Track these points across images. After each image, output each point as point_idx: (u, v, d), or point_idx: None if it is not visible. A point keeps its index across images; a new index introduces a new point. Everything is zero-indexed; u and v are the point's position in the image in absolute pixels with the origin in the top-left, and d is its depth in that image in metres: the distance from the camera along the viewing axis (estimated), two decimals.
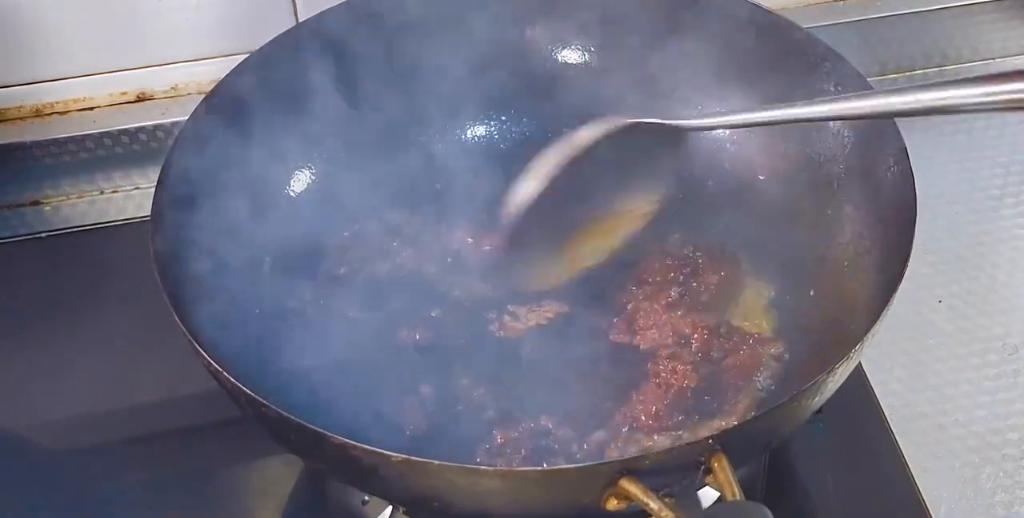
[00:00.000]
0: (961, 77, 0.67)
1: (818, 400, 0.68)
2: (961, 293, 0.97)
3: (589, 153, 0.76)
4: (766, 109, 0.78)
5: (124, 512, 0.87)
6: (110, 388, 0.92)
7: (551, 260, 0.81)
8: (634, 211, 0.82)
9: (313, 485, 0.87)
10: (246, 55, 0.86)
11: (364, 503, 0.82)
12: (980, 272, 0.98)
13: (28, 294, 1.00)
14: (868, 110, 0.70)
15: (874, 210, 0.80)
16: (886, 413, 0.88)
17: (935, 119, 1.10)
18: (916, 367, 0.92)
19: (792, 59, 0.86)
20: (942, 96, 0.66)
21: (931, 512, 0.83)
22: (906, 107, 0.68)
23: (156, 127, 1.06)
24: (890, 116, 0.73)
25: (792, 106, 0.74)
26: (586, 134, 0.77)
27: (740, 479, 0.69)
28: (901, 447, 0.86)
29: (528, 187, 0.76)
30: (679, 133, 0.79)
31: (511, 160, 0.94)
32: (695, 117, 0.80)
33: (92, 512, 0.87)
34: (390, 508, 0.82)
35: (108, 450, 0.90)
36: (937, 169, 1.05)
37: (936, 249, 0.99)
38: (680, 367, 0.79)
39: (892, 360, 0.92)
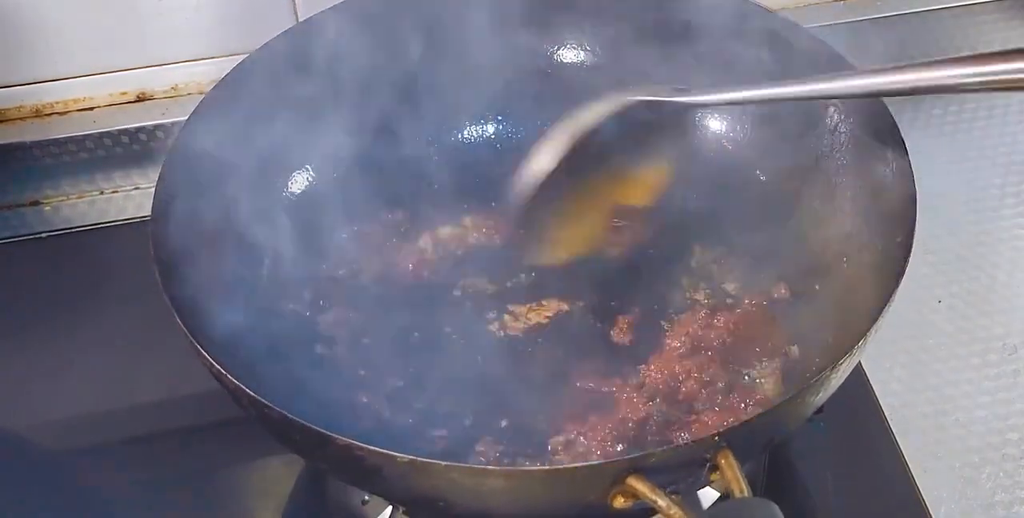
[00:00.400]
0: (957, 56, 0.66)
1: (821, 396, 0.68)
2: (961, 293, 0.97)
3: (595, 131, 0.76)
4: (765, 87, 0.77)
5: (124, 512, 0.87)
6: (110, 388, 0.92)
7: (560, 238, 0.82)
8: (639, 188, 0.82)
9: (313, 485, 0.87)
10: (246, 55, 0.86)
11: (364, 503, 0.82)
12: (980, 272, 0.98)
13: (28, 294, 1.00)
14: (875, 87, 0.70)
15: (874, 207, 0.80)
16: (886, 413, 0.88)
17: (935, 118, 1.10)
18: (916, 367, 0.92)
19: (792, 59, 0.86)
20: (940, 75, 0.66)
21: (931, 512, 0.83)
22: (914, 85, 0.67)
23: (156, 127, 1.06)
24: (892, 94, 0.72)
25: (800, 82, 0.73)
26: (593, 112, 0.77)
27: None
28: (901, 447, 0.86)
29: (539, 165, 0.75)
30: (683, 109, 0.79)
31: (508, 160, 0.95)
32: (697, 93, 0.80)
33: (92, 512, 0.87)
34: (390, 508, 0.82)
35: (108, 450, 0.90)
36: (937, 169, 1.05)
37: (936, 249, 0.99)
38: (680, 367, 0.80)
39: (892, 360, 0.92)
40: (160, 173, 0.78)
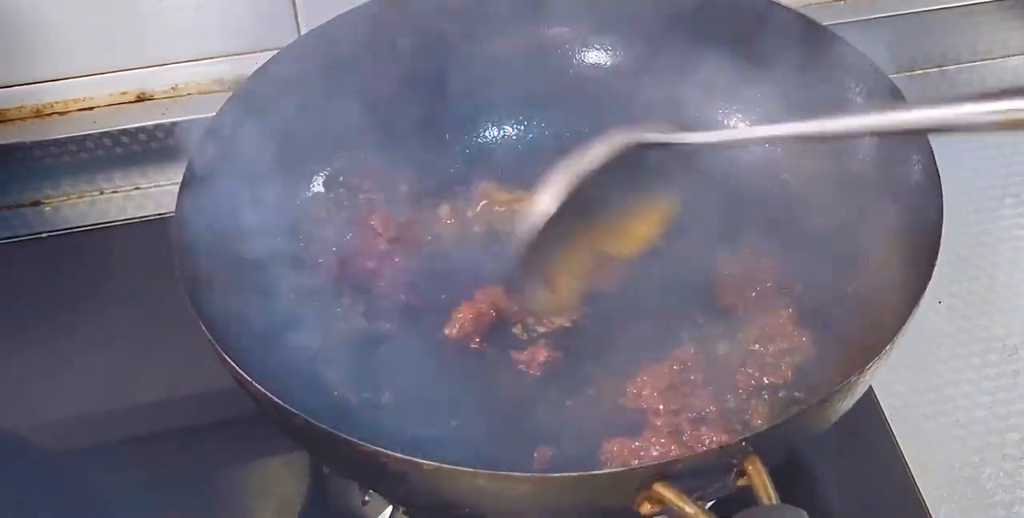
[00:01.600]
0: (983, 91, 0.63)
1: (848, 402, 0.68)
2: (961, 293, 0.97)
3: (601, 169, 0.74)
4: (778, 124, 0.75)
5: (124, 512, 0.87)
6: (110, 388, 0.92)
7: (563, 279, 0.80)
8: (645, 225, 0.81)
9: (313, 485, 0.87)
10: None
11: (364, 503, 0.82)
12: (980, 272, 0.98)
13: (28, 294, 1.00)
14: (888, 126, 0.67)
15: (899, 204, 0.80)
16: (886, 413, 0.88)
17: None
18: (916, 367, 0.92)
19: (813, 58, 0.85)
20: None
21: (931, 512, 0.83)
22: (934, 123, 0.64)
23: (156, 127, 1.06)
24: (915, 132, 0.69)
25: (804, 120, 0.71)
26: (598, 152, 0.74)
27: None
28: (901, 447, 0.86)
29: (543, 207, 0.74)
30: (690, 148, 0.76)
31: (528, 162, 0.95)
32: (705, 130, 0.78)
33: (92, 512, 0.87)
34: (390, 508, 0.82)
35: (108, 450, 0.90)
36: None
37: None
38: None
39: (892, 360, 0.91)
40: (183, 175, 0.78)
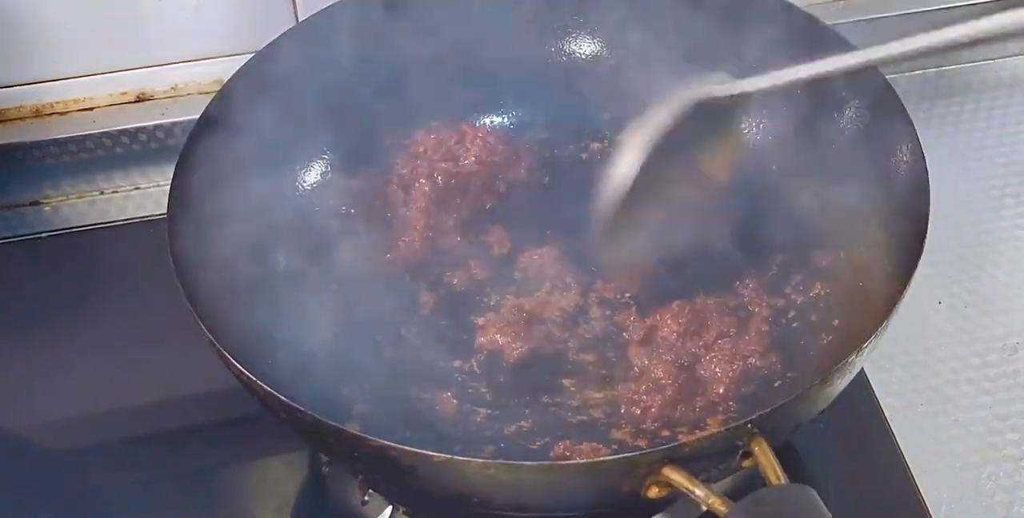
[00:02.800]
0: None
1: (845, 380, 0.69)
2: (961, 293, 0.97)
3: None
4: (815, 65, 0.74)
5: (124, 512, 0.87)
6: (110, 388, 0.92)
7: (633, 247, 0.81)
8: (704, 186, 0.82)
9: (313, 485, 0.87)
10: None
11: (364, 503, 0.82)
12: (980, 272, 0.98)
13: (28, 294, 1.00)
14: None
15: (887, 191, 0.80)
16: (886, 413, 0.88)
17: (935, 118, 1.10)
18: (916, 367, 0.92)
19: (804, 48, 0.85)
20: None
21: (931, 512, 0.83)
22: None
23: (156, 127, 1.06)
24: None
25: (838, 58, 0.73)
26: (665, 114, 0.75)
27: (738, 478, 0.70)
28: (901, 447, 0.86)
29: (623, 173, 0.75)
30: (743, 99, 0.77)
31: (522, 152, 0.95)
32: (753, 79, 0.77)
33: (92, 512, 0.87)
34: (390, 508, 0.82)
35: (108, 450, 0.90)
36: (937, 169, 1.04)
37: (936, 249, 0.99)
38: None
39: (892, 360, 0.92)
40: (174, 171, 0.79)
